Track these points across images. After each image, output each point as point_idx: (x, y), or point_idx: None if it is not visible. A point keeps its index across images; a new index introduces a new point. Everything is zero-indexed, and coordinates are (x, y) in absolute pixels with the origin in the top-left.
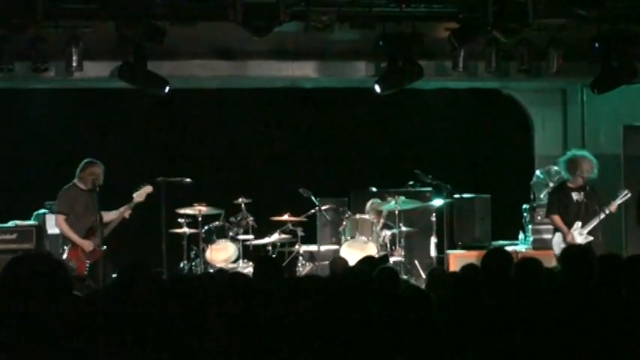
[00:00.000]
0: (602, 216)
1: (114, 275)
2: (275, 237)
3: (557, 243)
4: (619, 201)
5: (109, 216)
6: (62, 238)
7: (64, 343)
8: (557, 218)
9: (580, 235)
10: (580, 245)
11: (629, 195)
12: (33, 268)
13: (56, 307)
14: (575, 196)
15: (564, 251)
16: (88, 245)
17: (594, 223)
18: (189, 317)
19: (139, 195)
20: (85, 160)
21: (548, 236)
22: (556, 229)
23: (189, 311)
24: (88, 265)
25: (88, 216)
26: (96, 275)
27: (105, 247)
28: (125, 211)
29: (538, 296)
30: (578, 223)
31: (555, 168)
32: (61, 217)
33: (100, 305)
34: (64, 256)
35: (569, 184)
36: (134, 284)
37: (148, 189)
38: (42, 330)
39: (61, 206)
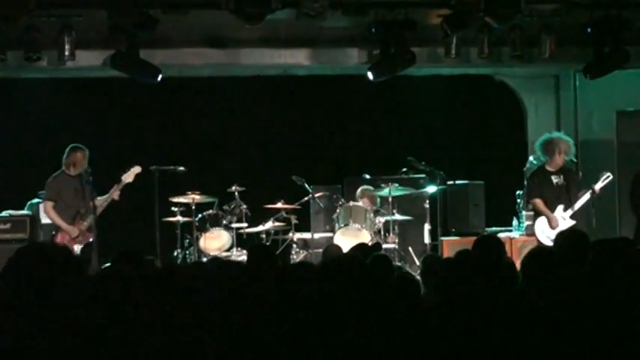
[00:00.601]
0: (585, 199)
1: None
2: (269, 225)
3: (540, 228)
4: (600, 184)
5: (98, 201)
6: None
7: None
8: (539, 202)
9: (563, 219)
10: (573, 229)
11: (610, 177)
12: (43, 257)
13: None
14: (554, 179)
15: (558, 236)
16: (72, 231)
17: (577, 206)
18: (183, 307)
19: (128, 176)
20: (69, 146)
21: (530, 222)
22: (537, 215)
23: (183, 301)
24: (78, 250)
25: (77, 201)
26: (86, 260)
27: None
28: (114, 193)
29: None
30: (560, 207)
31: (539, 150)
32: (49, 204)
33: (93, 294)
34: (55, 242)
35: (548, 168)
36: (127, 275)
37: (136, 169)
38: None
39: (48, 193)
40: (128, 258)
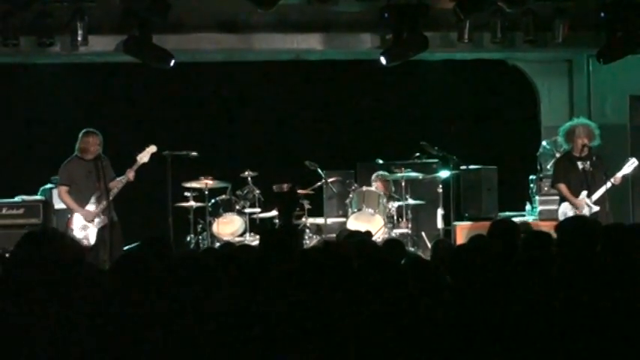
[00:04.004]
0: (608, 186)
1: (125, 244)
2: None
3: (563, 213)
4: (626, 170)
5: (114, 183)
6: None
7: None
8: (563, 187)
9: (586, 205)
10: (578, 216)
11: (636, 163)
12: (45, 245)
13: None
14: (580, 164)
15: (561, 222)
16: (87, 215)
17: (600, 192)
18: (197, 293)
19: (143, 155)
20: (82, 131)
21: (554, 207)
22: (562, 199)
23: (197, 288)
24: (93, 233)
25: (91, 185)
26: (103, 242)
27: (112, 214)
28: (129, 173)
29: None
30: (584, 193)
31: (561, 139)
32: (63, 189)
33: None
34: (70, 226)
35: (574, 153)
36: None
37: (151, 149)
38: (55, 309)
39: (61, 178)
40: (153, 243)
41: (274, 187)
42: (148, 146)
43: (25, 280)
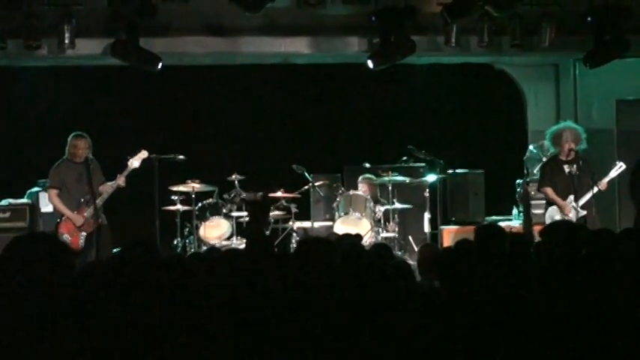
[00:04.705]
0: (595, 190)
1: (114, 247)
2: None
3: (550, 217)
4: (613, 174)
5: (104, 187)
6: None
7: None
8: (549, 190)
9: (573, 209)
10: (564, 220)
11: (623, 167)
12: (36, 249)
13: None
14: (567, 168)
15: (547, 226)
16: (78, 219)
17: (587, 196)
18: (185, 295)
19: (134, 160)
20: (72, 134)
21: (541, 211)
22: (548, 203)
23: (186, 289)
24: (82, 237)
25: (81, 188)
26: (91, 246)
27: (101, 218)
28: (119, 179)
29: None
30: (571, 197)
31: (548, 142)
32: (53, 192)
33: (99, 281)
34: (59, 230)
35: (561, 157)
36: (138, 263)
37: (143, 154)
38: (44, 311)
39: (52, 181)
40: (138, 247)
41: (245, 195)
42: (139, 151)
43: (13, 284)
